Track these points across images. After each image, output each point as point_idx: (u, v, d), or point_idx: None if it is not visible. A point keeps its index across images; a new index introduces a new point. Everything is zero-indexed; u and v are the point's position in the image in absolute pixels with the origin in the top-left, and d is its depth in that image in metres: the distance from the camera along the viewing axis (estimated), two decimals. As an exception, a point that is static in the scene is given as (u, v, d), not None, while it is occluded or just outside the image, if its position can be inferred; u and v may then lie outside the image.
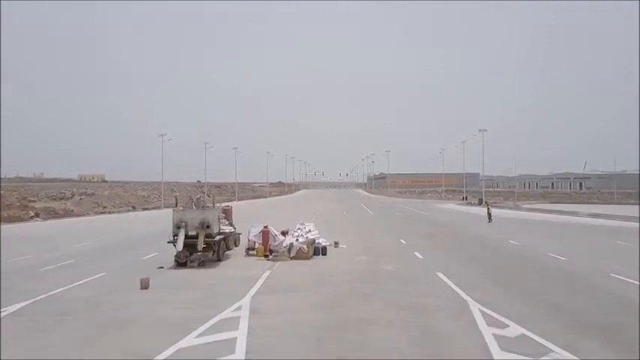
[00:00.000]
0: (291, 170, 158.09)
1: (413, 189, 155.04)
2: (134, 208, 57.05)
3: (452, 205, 61.58)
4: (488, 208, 34.19)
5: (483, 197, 59.67)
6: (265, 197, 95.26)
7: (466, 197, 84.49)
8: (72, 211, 53.47)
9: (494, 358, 6.27)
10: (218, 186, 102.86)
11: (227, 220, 17.61)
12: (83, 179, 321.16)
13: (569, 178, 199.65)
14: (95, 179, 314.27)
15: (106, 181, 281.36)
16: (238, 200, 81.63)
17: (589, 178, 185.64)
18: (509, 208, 53.78)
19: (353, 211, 46.98)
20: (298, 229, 18.77)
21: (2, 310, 9.13)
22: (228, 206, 18.91)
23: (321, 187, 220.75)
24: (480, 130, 57.09)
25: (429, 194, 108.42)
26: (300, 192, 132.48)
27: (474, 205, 61.73)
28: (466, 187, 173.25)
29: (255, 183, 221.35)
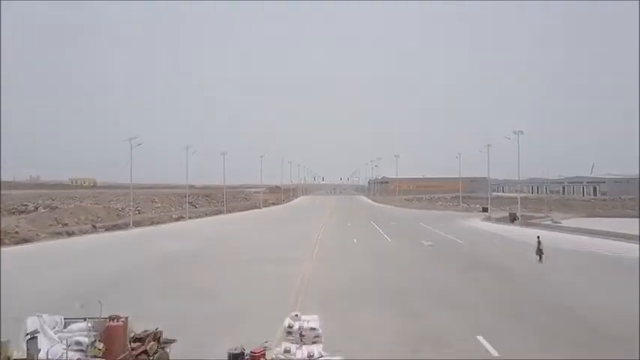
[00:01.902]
0: (290, 173, 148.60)
1: (419, 195, 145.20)
2: (95, 228, 46.89)
3: (478, 223, 51.65)
4: (538, 243, 24.22)
5: (519, 209, 49.69)
6: (259, 208, 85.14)
7: (486, 208, 74.53)
8: (16, 232, 43.40)
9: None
10: (207, 195, 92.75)
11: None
12: (74, 183, 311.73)
13: (581, 182, 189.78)
14: (86, 183, 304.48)
15: (95, 186, 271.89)
16: (227, 213, 71.56)
17: (604, 182, 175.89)
18: (549, 228, 43.63)
19: (364, 235, 37.05)
20: (286, 351, 8.68)
21: None
22: (117, 320, 8.33)
23: (320, 191, 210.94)
24: (515, 132, 47.16)
25: (440, 203, 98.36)
26: (297, 200, 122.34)
27: (503, 222, 51.80)
28: (474, 193, 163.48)
29: (250, 188, 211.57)
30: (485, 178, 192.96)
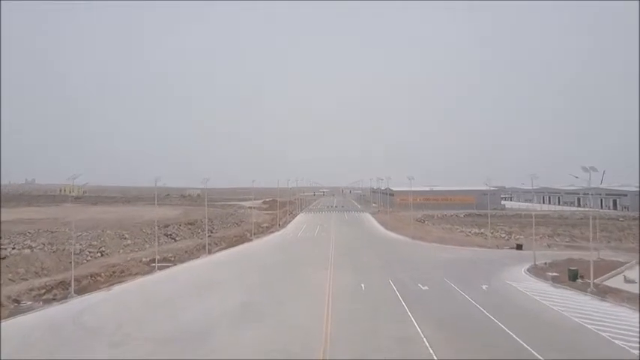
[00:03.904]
0: (289, 180, 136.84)
1: (428, 211, 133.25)
2: (18, 303, 34.47)
3: (530, 283, 39.58)
4: None
5: (591, 273, 37.37)
6: (250, 239, 72.95)
7: (521, 246, 62.37)
8: None
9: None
10: (191, 222, 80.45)
11: None
12: (62, 192, 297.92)
13: (599, 194, 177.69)
14: (74, 192, 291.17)
15: (83, 196, 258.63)
16: (210, 251, 59.34)
17: (625, 195, 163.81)
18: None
19: (395, 347, 24.88)
20: None
21: None
22: None
23: (320, 202, 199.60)
24: (584, 169, 35.07)
25: (458, 230, 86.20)
26: (296, 220, 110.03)
27: (563, 283, 39.72)
28: (486, 206, 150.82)
29: (246, 199, 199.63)
30: (496, 190, 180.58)
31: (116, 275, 49.45)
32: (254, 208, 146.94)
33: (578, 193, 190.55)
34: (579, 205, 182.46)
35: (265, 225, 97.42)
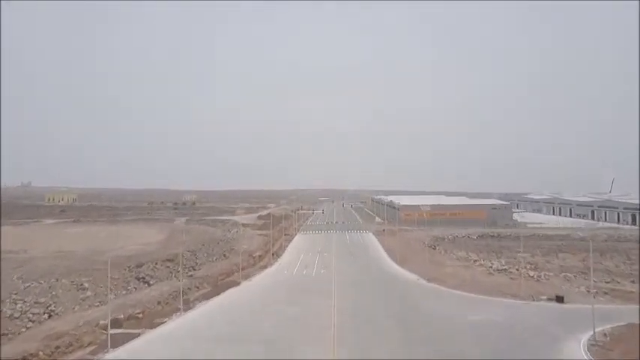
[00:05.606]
0: (291, 179, 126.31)
1: (436, 227, 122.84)
2: None
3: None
4: None
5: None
6: (238, 282, 62.46)
7: (562, 298, 51.91)
8: None
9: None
10: (170, 259, 69.84)
11: None
12: (50, 201, 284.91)
13: (616, 208, 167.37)
14: (63, 200, 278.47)
15: (72, 205, 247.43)
16: (187, 303, 48.72)
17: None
18: None
19: None
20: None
21: None
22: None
23: (318, 218, 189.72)
24: None
25: (476, 262, 75.62)
26: (292, 246, 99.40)
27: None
28: (497, 222, 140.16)
29: (240, 210, 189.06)
30: (507, 204, 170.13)
31: (60, 352, 39.02)
32: (248, 226, 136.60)
33: (592, 205, 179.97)
34: (593, 218, 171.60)
35: (258, 254, 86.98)
